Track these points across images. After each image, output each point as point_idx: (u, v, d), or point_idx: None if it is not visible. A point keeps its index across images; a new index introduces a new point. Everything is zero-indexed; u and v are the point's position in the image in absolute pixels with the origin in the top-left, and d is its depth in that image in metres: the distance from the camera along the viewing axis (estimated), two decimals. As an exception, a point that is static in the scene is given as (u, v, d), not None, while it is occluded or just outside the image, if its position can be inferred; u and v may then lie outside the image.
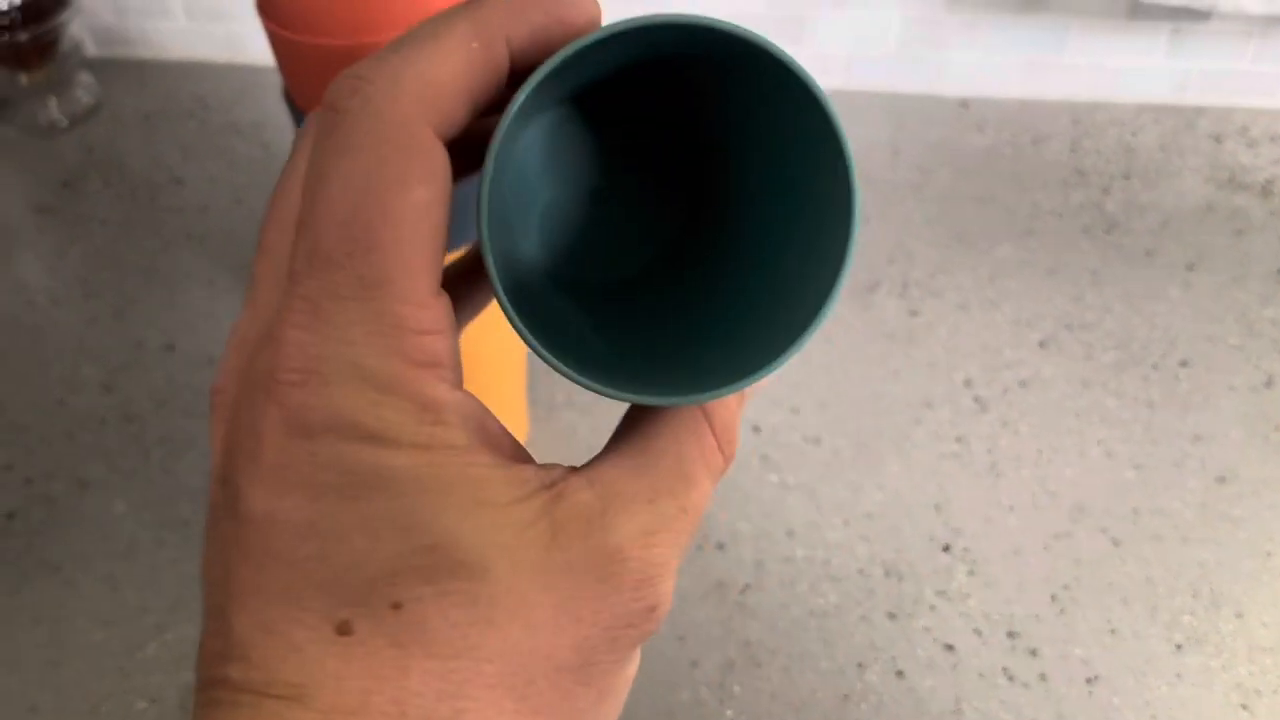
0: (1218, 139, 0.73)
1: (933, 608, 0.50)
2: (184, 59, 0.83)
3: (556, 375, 0.25)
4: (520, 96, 0.20)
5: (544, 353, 0.21)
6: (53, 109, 0.78)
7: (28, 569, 0.53)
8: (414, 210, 0.19)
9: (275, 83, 0.80)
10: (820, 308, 0.21)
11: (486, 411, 0.20)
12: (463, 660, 0.18)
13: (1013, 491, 0.54)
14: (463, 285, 0.25)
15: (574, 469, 0.21)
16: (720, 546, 0.52)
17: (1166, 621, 0.49)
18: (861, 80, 0.77)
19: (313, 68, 0.41)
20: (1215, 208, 0.68)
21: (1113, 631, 0.49)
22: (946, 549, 0.52)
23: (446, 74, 0.20)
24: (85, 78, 0.80)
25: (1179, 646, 0.49)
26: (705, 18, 0.20)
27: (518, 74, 0.21)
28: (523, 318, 0.21)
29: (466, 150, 0.22)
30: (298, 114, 0.44)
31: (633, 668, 0.21)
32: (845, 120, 0.20)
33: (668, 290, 0.27)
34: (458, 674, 0.18)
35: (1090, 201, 0.69)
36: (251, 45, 0.82)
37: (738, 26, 0.20)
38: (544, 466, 0.20)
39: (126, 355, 0.62)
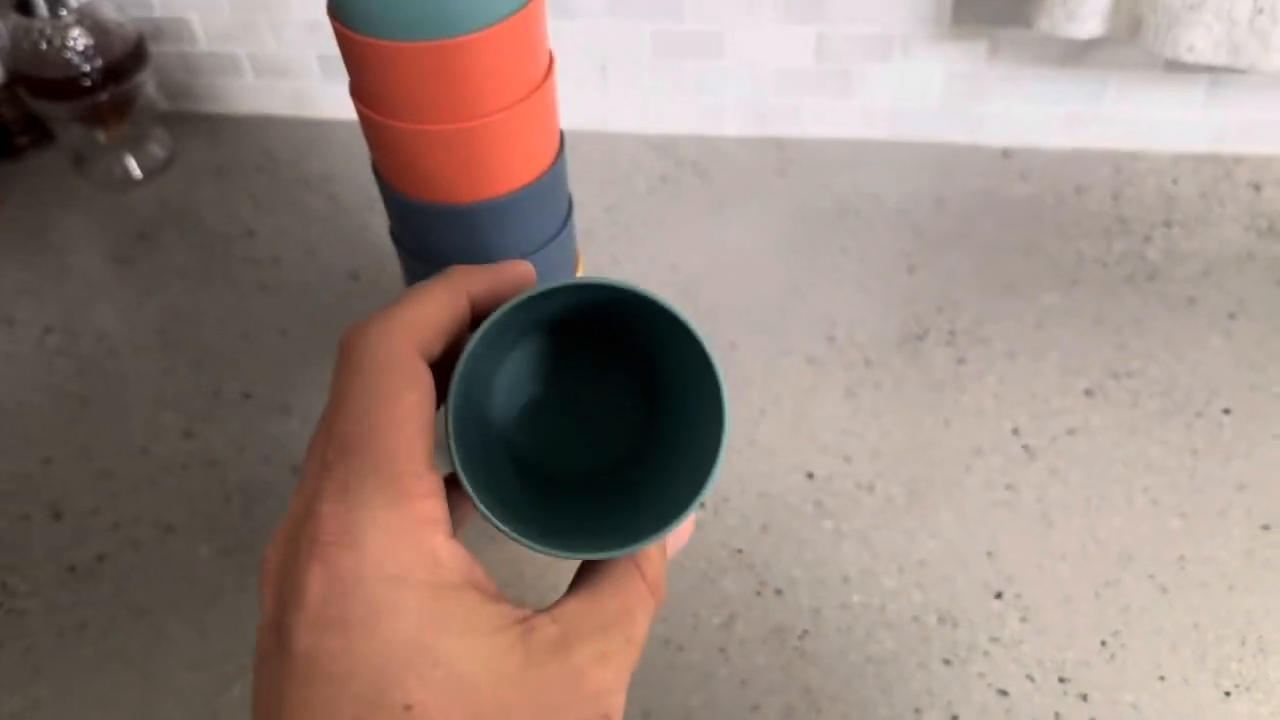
0: (1257, 187, 0.75)
1: (986, 654, 0.51)
2: (253, 113, 0.87)
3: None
4: (470, 343, 0.29)
5: (506, 529, 0.28)
6: (128, 164, 0.82)
7: (117, 612, 0.55)
8: (408, 409, 0.27)
9: (341, 136, 0.83)
10: (699, 492, 0.29)
11: (474, 560, 0.27)
12: None
13: (1062, 539, 0.56)
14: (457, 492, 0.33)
15: (539, 610, 0.27)
16: (778, 592, 0.54)
17: (1215, 668, 0.51)
18: (905, 131, 0.79)
19: (404, 150, 0.43)
20: (1255, 256, 0.70)
21: (1162, 678, 0.51)
22: (999, 596, 0.54)
23: (425, 317, 0.29)
24: (159, 133, 0.84)
25: (1228, 693, 0.50)
26: (611, 282, 0.29)
27: (480, 315, 0.30)
28: (484, 500, 0.28)
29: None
30: (385, 187, 0.47)
31: None
32: (890, 171, 0.26)
33: (607, 473, 0.36)
34: None
35: (1132, 250, 0.70)
36: (317, 100, 0.85)
37: (632, 286, 0.29)
38: (517, 607, 0.27)
39: (205, 403, 0.65)
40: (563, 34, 0.77)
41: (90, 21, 0.76)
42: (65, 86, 0.75)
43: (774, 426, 0.61)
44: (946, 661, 0.51)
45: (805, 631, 0.52)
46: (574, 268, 0.52)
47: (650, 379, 0.36)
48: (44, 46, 0.75)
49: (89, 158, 0.82)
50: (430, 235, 0.47)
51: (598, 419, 0.36)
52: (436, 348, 0.29)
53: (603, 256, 0.73)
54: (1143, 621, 0.52)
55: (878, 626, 0.52)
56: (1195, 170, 0.76)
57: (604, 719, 0.27)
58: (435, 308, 0.29)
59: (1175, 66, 0.73)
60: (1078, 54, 0.73)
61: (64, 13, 0.75)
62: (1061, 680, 0.51)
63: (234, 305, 0.71)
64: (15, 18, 0.76)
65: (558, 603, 0.28)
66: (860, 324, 0.67)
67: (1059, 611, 0.53)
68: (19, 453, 0.64)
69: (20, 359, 0.69)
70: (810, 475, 0.59)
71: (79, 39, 0.75)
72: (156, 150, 0.83)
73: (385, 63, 0.41)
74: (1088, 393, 0.62)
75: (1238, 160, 0.77)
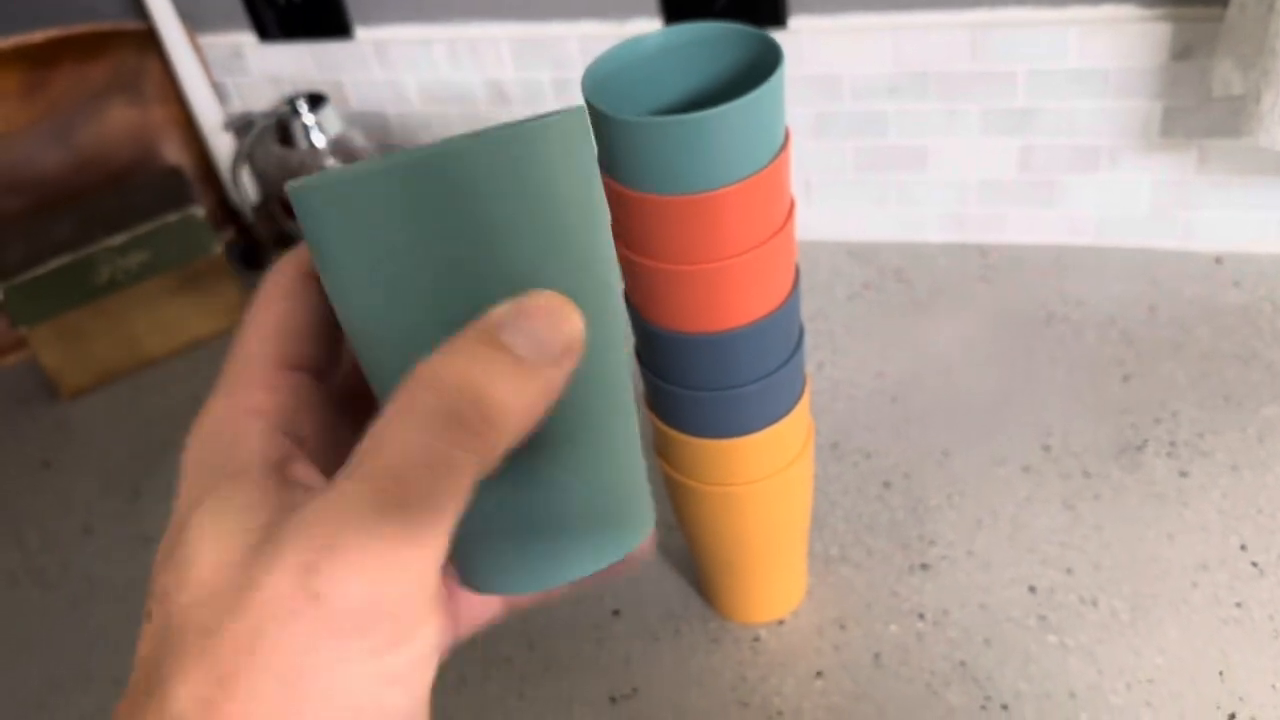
0: None
1: (1225, 779, 0.51)
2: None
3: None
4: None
5: None
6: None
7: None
8: (265, 320, 0.28)
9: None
10: None
11: (298, 455, 0.27)
12: (185, 634, 0.23)
13: (1299, 661, 0.55)
14: None
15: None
16: (1004, 707, 0.55)
17: None
18: (1112, 238, 0.80)
19: (653, 284, 0.47)
20: None
21: None
22: (1232, 717, 0.53)
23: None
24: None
25: None
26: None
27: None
28: None
29: None
30: (634, 313, 0.51)
31: None
32: (1097, 278, 0.26)
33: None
34: (181, 641, 0.22)
35: (1360, 359, 0.69)
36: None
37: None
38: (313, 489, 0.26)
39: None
40: (770, 151, 0.81)
41: (342, 151, 0.84)
42: (320, 210, 0.84)
43: (991, 538, 0.62)
44: (1184, 785, 0.51)
45: (1034, 748, 0.53)
46: (803, 389, 0.55)
47: None
48: (302, 174, 0.84)
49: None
50: (671, 358, 0.51)
51: None
52: (304, 349, 0.28)
53: (808, 364, 0.76)
54: (1394, 752, 0.51)
55: (1110, 746, 0.53)
56: None
57: (313, 598, 0.22)
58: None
59: (1399, 170, 0.72)
60: (1294, 161, 0.73)
61: (321, 143, 0.83)
62: (1307, 811, 0.50)
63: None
64: (277, 148, 0.85)
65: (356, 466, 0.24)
66: (1076, 434, 0.67)
67: (1300, 738, 0.52)
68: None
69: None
70: (1032, 589, 0.60)
71: (332, 167, 0.83)
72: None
73: (644, 212, 0.45)
74: (1319, 508, 0.61)
75: None
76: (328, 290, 0.27)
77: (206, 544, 0.23)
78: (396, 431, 0.23)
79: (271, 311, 0.27)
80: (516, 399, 0.23)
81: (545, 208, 0.27)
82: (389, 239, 0.25)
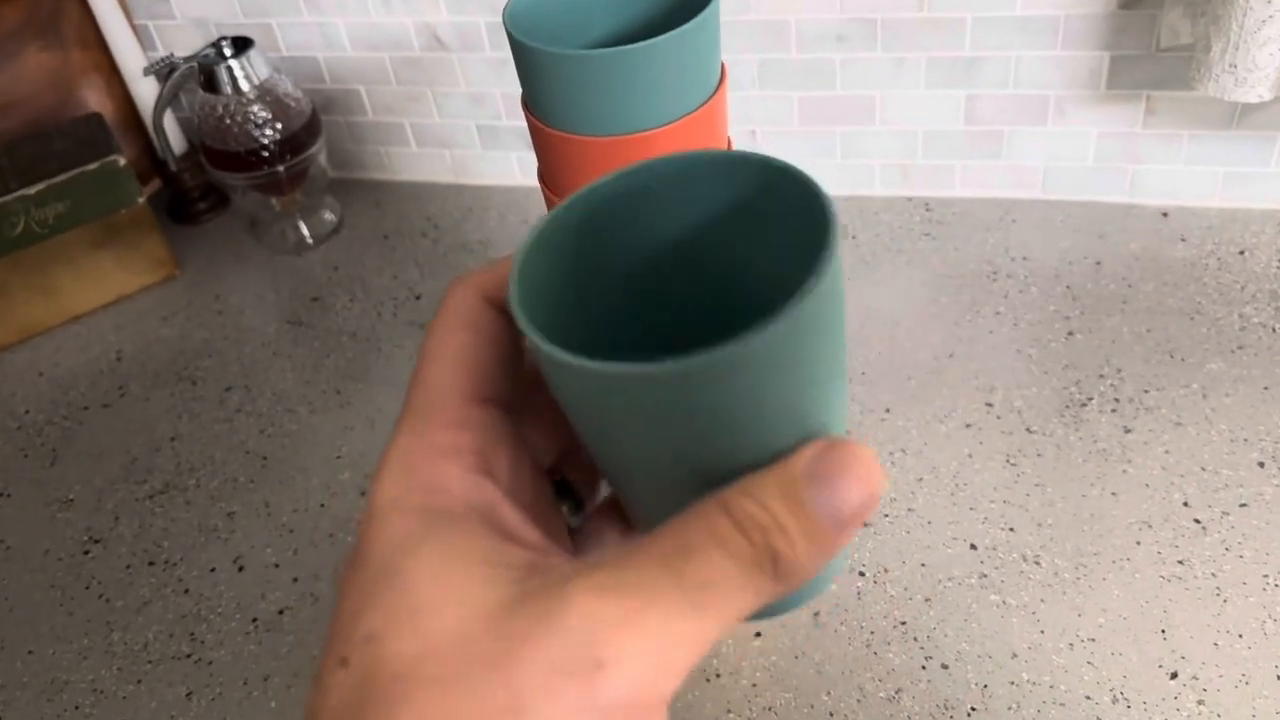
0: None
1: (1164, 736, 0.50)
2: (415, 181, 0.91)
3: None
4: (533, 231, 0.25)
5: (552, 349, 0.22)
6: (301, 229, 0.86)
7: (299, 665, 0.58)
8: (453, 348, 0.26)
9: (498, 202, 0.87)
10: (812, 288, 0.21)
11: (502, 500, 0.25)
12: (407, 684, 0.21)
13: (1239, 617, 0.54)
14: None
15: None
16: (945, 667, 0.54)
17: None
18: (1058, 191, 0.79)
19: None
20: None
21: (1353, 767, 0.49)
22: (1174, 676, 0.52)
23: (503, 268, 0.26)
24: (329, 200, 0.88)
25: None
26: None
27: None
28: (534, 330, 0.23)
29: None
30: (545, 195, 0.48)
31: None
32: (1043, 232, 0.24)
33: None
34: (402, 692, 0.21)
35: (1303, 315, 0.69)
36: (476, 168, 0.89)
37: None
38: (550, 554, 0.24)
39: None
40: (714, 101, 0.79)
41: (270, 97, 0.80)
42: (246, 159, 0.80)
43: (932, 495, 0.61)
44: (1122, 744, 0.50)
45: (973, 709, 0.52)
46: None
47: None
48: (227, 121, 0.80)
49: (264, 223, 0.87)
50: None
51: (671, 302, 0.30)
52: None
53: (753, 319, 0.74)
54: (1331, 708, 0.51)
55: (1049, 705, 0.52)
56: (1369, 230, 0.74)
57: (593, 669, 0.20)
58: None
59: (1346, 124, 0.71)
60: (1239, 115, 0.71)
61: (246, 89, 0.80)
62: (1245, 767, 0.49)
63: (405, 366, 0.74)
64: (201, 94, 0.81)
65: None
66: (1019, 390, 0.66)
67: (1239, 693, 0.51)
68: (205, 507, 0.67)
69: (203, 417, 0.74)
70: (973, 547, 0.59)
71: (259, 113, 0.80)
72: (327, 216, 0.88)
73: (570, 153, 0.43)
74: (1260, 464, 0.61)
75: None
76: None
77: (440, 592, 0.22)
78: (701, 542, 0.22)
79: (454, 342, 0.26)
80: (808, 563, 0.22)
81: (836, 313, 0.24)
82: None
